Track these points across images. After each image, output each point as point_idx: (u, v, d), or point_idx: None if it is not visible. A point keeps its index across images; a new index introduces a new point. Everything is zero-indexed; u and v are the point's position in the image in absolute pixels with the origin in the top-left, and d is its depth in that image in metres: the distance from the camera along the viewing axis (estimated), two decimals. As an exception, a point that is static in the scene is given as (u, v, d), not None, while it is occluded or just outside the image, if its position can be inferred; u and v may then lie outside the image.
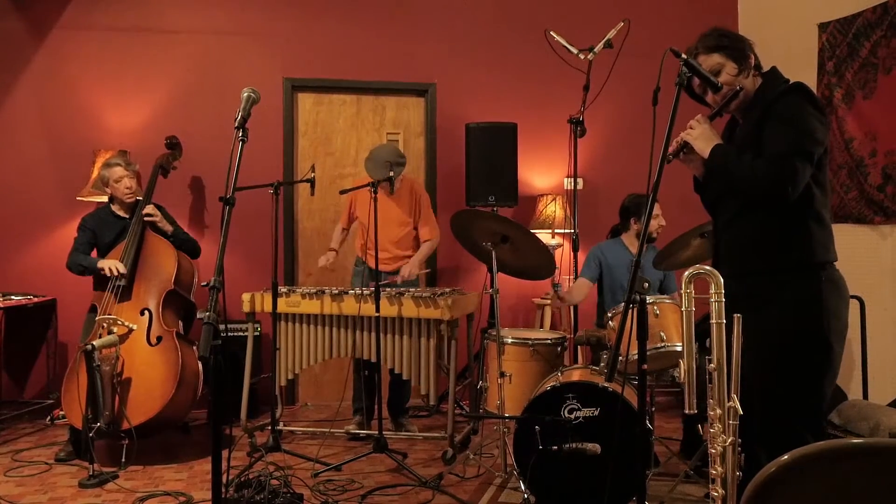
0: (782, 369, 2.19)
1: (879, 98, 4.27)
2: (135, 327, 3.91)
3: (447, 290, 4.10)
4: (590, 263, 4.06)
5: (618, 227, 4.21)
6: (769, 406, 2.20)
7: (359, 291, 4.00)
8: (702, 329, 2.11)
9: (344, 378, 4.68)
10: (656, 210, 3.94)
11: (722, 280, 1.87)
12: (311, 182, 4.13)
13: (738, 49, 2.30)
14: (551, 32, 4.40)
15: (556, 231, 5.11)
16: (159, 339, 3.92)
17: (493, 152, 4.96)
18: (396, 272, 4.43)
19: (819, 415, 2.23)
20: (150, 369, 3.83)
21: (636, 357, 2.12)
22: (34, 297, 4.64)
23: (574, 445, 2.98)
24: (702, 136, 2.29)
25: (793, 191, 2.13)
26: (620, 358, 2.17)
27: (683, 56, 2.14)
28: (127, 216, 4.17)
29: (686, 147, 2.33)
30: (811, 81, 4.71)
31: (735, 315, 1.85)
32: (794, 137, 2.14)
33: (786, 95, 2.21)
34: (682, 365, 1.89)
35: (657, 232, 3.98)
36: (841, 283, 2.26)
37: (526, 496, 3.15)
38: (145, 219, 4.08)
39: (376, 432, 3.81)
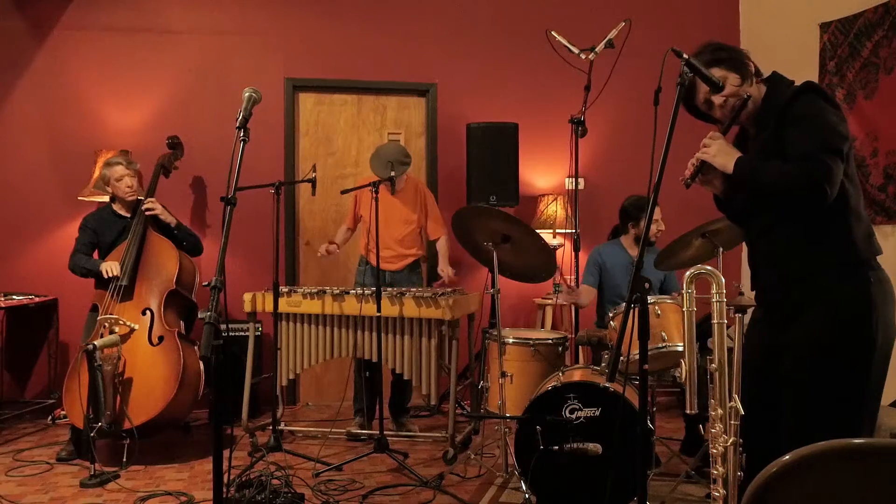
0: (831, 373, 2.06)
1: (881, 98, 4.26)
2: (136, 327, 3.91)
3: (448, 290, 4.11)
4: (589, 269, 4.07)
5: (618, 228, 4.21)
6: (813, 411, 2.07)
7: (360, 291, 4.01)
8: (703, 329, 2.11)
9: (345, 378, 4.68)
10: (656, 214, 3.92)
11: (723, 280, 1.87)
12: (313, 182, 4.14)
13: (735, 60, 2.23)
14: (552, 32, 4.40)
15: (558, 231, 5.11)
16: (161, 338, 3.92)
17: (494, 152, 4.96)
18: (401, 272, 4.44)
19: (859, 422, 2.09)
20: (151, 369, 3.84)
21: (637, 357, 2.12)
22: (35, 296, 4.65)
23: (575, 445, 2.98)
24: (721, 152, 2.17)
25: (831, 190, 2.02)
26: (622, 358, 2.17)
27: (685, 56, 2.12)
28: (128, 216, 4.17)
29: (704, 167, 2.22)
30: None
31: (736, 315, 1.85)
32: (820, 136, 2.06)
33: (800, 96, 2.15)
34: (684, 365, 1.89)
35: (656, 236, 3.97)
36: (888, 285, 2.13)
37: (527, 496, 3.15)
38: (147, 213, 4.07)
39: (377, 432, 3.81)
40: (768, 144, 2.17)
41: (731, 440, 1.83)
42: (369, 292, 3.93)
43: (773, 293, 2.13)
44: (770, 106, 2.20)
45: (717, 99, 2.21)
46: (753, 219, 2.26)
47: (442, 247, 4.56)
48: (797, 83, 2.21)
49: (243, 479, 3.25)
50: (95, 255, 4.15)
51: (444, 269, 4.47)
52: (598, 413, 3.06)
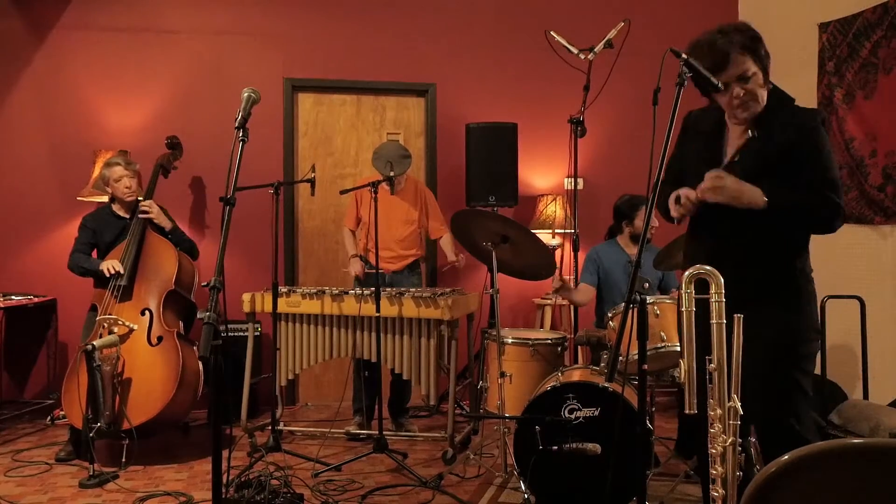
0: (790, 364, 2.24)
1: (880, 98, 4.27)
2: (135, 327, 3.91)
3: (447, 290, 4.11)
4: (588, 268, 4.07)
5: (613, 228, 4.21)
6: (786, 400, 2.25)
7: (359, 291, 4.01)
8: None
9: (344, 378, 4.68)
10: None
11: (722, 280, 1.87)
12: (312, 182, 4.13)
13: (767, 58, 2.24)
14: (551, 32, 4.40)
15: (557, 231, 5.12)
16: (160, 339, 3.92)
17: (493, 152, 4.97)
18: (401, 272, 4.44)
19: None
20: (150, 369, 3.83)
21: (636, 357, 2.12)
22: (34, 297, 4.64)
23: (574, 445, 2.98)
24: (742, 192, 2.20)
25: (839, 226, 2.25)
26: (620, 358, 2.17)
27: (684, 56, 2.12)
28: (127, 216, 4.17)
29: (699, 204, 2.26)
30: (811, 81, 4.71)
31: (735, 315, 1.85)
32: (835, 178, 2.23)
33: (819, 128, 2.24)
34: (682, 365, 1.89)
35: (651, 233, 3.97)
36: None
37: (526, 496, 3.15)
38: (141, 216, 4.07)
39: (376, 432, 3.81)
40: (772, 155, 2.24)
41: (730, 440, 1.83)
42: (368, 292, 3.93)
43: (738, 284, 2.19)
44: (774, 116, 2.24)
45: (738, 89, 2.20)
46: (718, 216, 2.29)
47: (447, 242, 4.49)
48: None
49: (242, 480, 3.25)
50: (94, 254, 4.14)
51: (454, 256, 4.39)
52: (597, 413, 3.06)
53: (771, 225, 2.22)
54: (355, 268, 4.42)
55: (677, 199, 2.31)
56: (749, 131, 2.31)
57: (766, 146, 2.26)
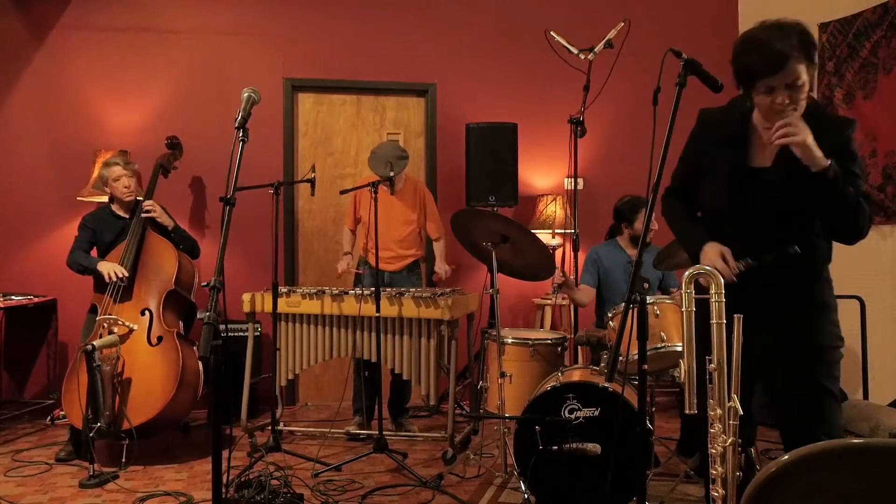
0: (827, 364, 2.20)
1: (880, 98, 4.27)
2: (135, 327, 3.91)
3: (447, 290, 4.10)
4: (588, 268, 4.07)
5: (613, 229, 4.21)
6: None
7: (359, 291, 4.01)
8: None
9: (344, 378, 4.68)
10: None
11: (722, 280, 1.87)
12: (312, 182, 4.13)
13: (815, 68, 2.09)
14: (551, 32, 4.40)
15: (557, 231, 5.12)
16: (160, 339, 3.92)
17: (493, 152, 4.97)
18: (400, 272, 4.44)
19: None
20: (150, 369, 3.83)
21: (636, 357, 2.12)
22: (34, 297, 4.64)
23: (574, 445, 2.98)
24: (813, 144, 2.02)
25: (865, 237, 2.17)
26: (620, 358, 2.17)
27: (684, 56, 2.11)
28: (127, 216, 4.17)
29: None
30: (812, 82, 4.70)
31: (735, 315, 1.85)
32: (865, 191, 2.16)
33: (853, 139, 2.15)
34: (683, 365, 1.89)
35: (650, 235, 3.97)
36: None
37: (526, 496, 3.15)
38: (143, 214, 4.07)
39: (376, 432, 3.81)
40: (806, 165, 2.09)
41: (729, 440, 1.83)
42: (368, 292, 3.93)
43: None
44: (809, 123, 2.05)
45: (783, 97, 2.04)
46: (750, 230, 2.20)
47: (439, 248, 4.57)
48: None
49: (242, 480, 3.25)
50: (94, 254, 4.14)
51: (441, 267, 4.50)
52: (597, 413, 3.06)
53: (808, 227, 2.14)
54: (341, 265, 4.46)
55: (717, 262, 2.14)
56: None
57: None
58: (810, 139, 2.00)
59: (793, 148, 2.02)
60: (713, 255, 2.15)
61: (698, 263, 2.17)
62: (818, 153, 2.02)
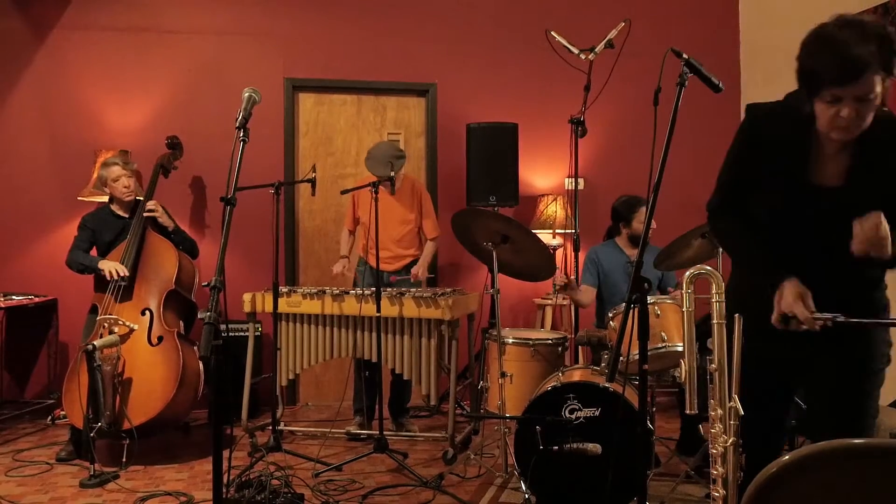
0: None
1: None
2: (136, 327, 3.91)
3: (448, 290, 4.10)
4: (588, 268, 4.07)
5: (612, 229, 4.21)
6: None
7: (360, 291, 4.01)
8: (702, 330, 2.10)
9: (345, 378, 4.68)
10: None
11: (723, 280, 1.87)
12: (312, 182, 4.13)
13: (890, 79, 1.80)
14: (552, 33, 4.40)
15: (557, 231, 5.11)
16: (160, 339, 3.92)
17: (493, 152, 4.96)
18: (399, 272, 4.44)
19: None
20: (150, 369, 3.84)
21: (637, 357, 2.12)
22: (35, 297, 4.64)
23: (575, 446, 2.98)
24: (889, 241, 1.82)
25: None
26: (621, 358, 2.16)
27: (685, 56, 2.10)
28: (127, 216, 4.17)
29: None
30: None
31: (735, 315, 1.85)
32: None
33: None
34: (683, 365, 1.89)
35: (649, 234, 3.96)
36: None
37: (527, 496, 3.15)
38: (146, 214, 4.07)
39: (377, 432, 3.81)
40: (883, 184, 1.89)
41: (730, 440, 1.83)
42: (369, 292, 3.93)
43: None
44: (878, 134, 1.85)
45: (849, 110, 1.77)
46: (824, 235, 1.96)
47: (429, 249, 4.53)
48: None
49: (243, 480, 3.25)
50: (94, 253, 4.14)
51: (419, 269, 4.41)
52: (597, 413, 3.06)
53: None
54: (336, 268, 4.46)
55: (783, 318, 1.92)
56: (851, 152, 1.91)
57: (877, 172, 1.89)
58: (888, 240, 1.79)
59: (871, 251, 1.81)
60: (790, 299, 1.88)
61: (773, 295, 1.93)
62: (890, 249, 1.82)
